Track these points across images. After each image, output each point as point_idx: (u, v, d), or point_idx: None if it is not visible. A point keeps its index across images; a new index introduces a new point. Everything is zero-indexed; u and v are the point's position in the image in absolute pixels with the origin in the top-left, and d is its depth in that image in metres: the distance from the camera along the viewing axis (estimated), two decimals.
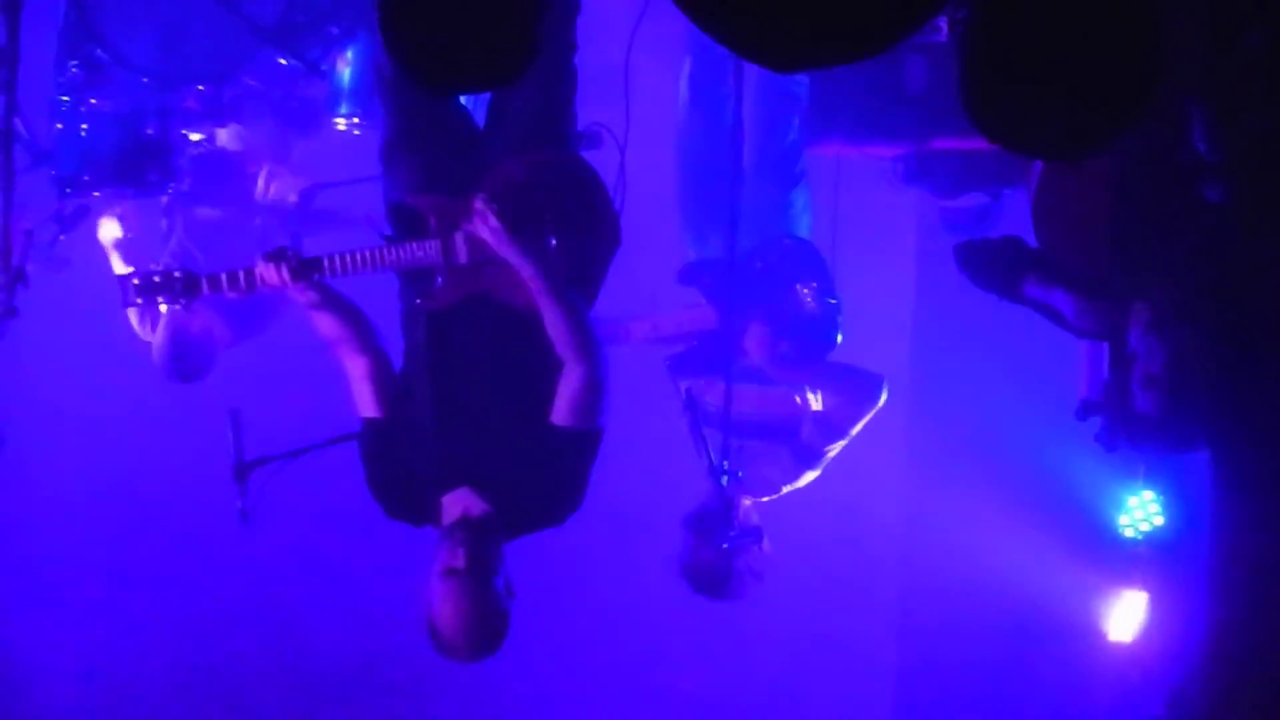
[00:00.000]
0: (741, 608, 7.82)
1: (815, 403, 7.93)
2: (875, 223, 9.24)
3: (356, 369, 6.27)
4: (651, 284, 7.96)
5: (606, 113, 6.66)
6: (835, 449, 7.94)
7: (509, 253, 6.11)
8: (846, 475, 8.42)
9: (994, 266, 6.41)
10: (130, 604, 10.35)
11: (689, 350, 8.11)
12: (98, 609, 10.34)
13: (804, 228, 8.14)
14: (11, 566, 10.10)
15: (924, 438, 9.95)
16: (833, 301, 7.99)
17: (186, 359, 8.35)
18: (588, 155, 6.54)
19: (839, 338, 8.02)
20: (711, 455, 7.24)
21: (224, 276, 6.13)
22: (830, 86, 7.22)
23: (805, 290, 7.96)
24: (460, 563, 5.96)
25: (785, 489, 7.91)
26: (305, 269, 6.10)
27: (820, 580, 10.14)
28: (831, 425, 7.90)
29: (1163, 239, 5.79)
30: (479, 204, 6.12)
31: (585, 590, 9.80)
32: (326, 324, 6.24)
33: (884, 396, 7.91)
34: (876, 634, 10.39)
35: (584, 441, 6.23)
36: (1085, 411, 6.26)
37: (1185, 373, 5.68)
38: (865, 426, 7.99)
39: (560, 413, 6.17)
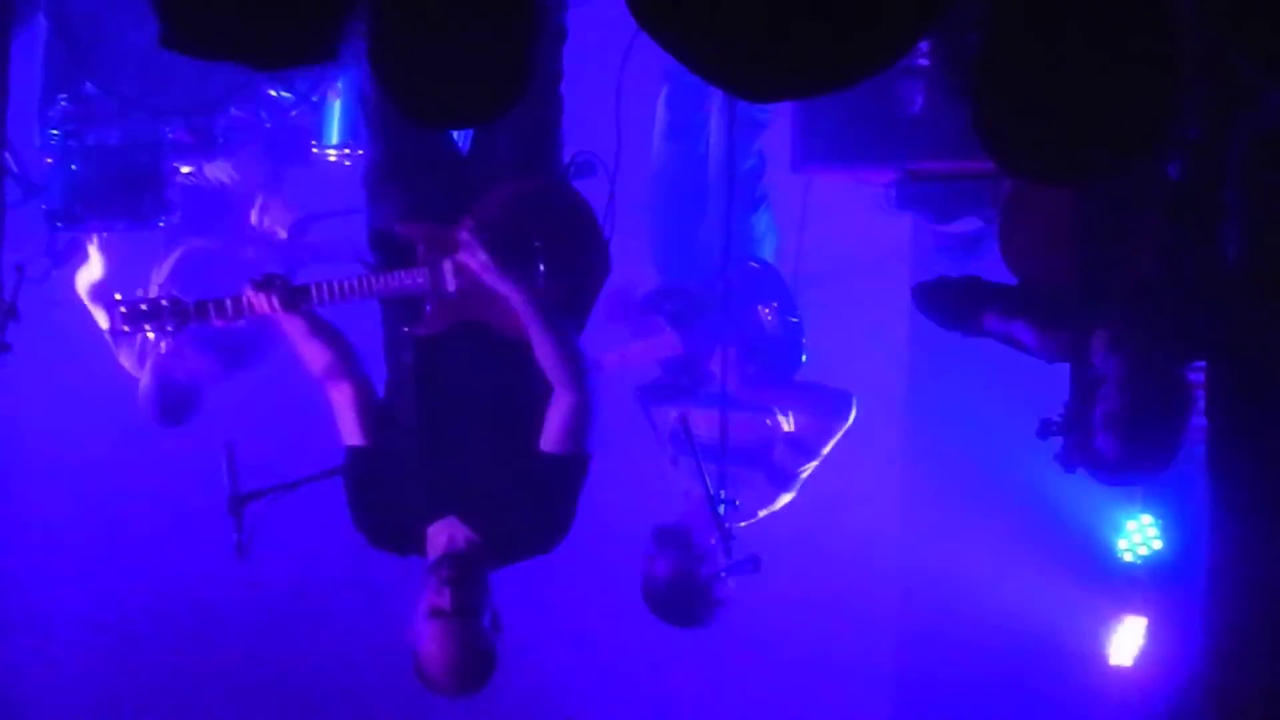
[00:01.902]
0: (739, 632, 7.75)
1: (786, 424, 7.97)
2: (869, 247, 9.23)
3: (342, 397, 6.27)
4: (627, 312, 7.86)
5: (597, 141, 6.64)
6: (808, 469, 7.96)
7: (497, 282, 6.11)
8: (842, 498, 8.42)
9: (953, 304, 6.43)
10: (126, 642, 10.31)
11: (658, 378, 8.16)
12: (93, 648, 10.28)
13: (767, 250, 8.21)
14: (3, 609, 10.07)
15: (920, 460, 9.92)
16: (795, 320, 8.06)
17: (171, 402, 8.31)
18: (579, 183, 6.56)
19: (803, 357, 8.08)
20: (708, 484, 7.22)
21: (211, 305, 6.13)
22: (821, 111, 7.20)
23: (767, 310, 8.02)
24: (446, 604, 5.93)
25: (761, 513, 7.91)
26: (294, 297, 6.12)
27: (817, 603, 10.08)
28: (803, 445, 7.93)
29: (1125, 258, 5.81)
30: (465, 233, 6.12)
31: (580, 600, 9.68)
32: (313, 352, 6.25)
33: (853, 413, 7.92)
34: (875, 658, 10.33)
35: (572, 467, 6.20)
36: (1045, 431, 6.24)
37: (1143, 402, 5.70)
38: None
39: (549, 439, 6.15)
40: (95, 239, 8.25)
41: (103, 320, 8.09)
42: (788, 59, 3.83)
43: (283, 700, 10.44)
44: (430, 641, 5.94)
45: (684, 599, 7.43)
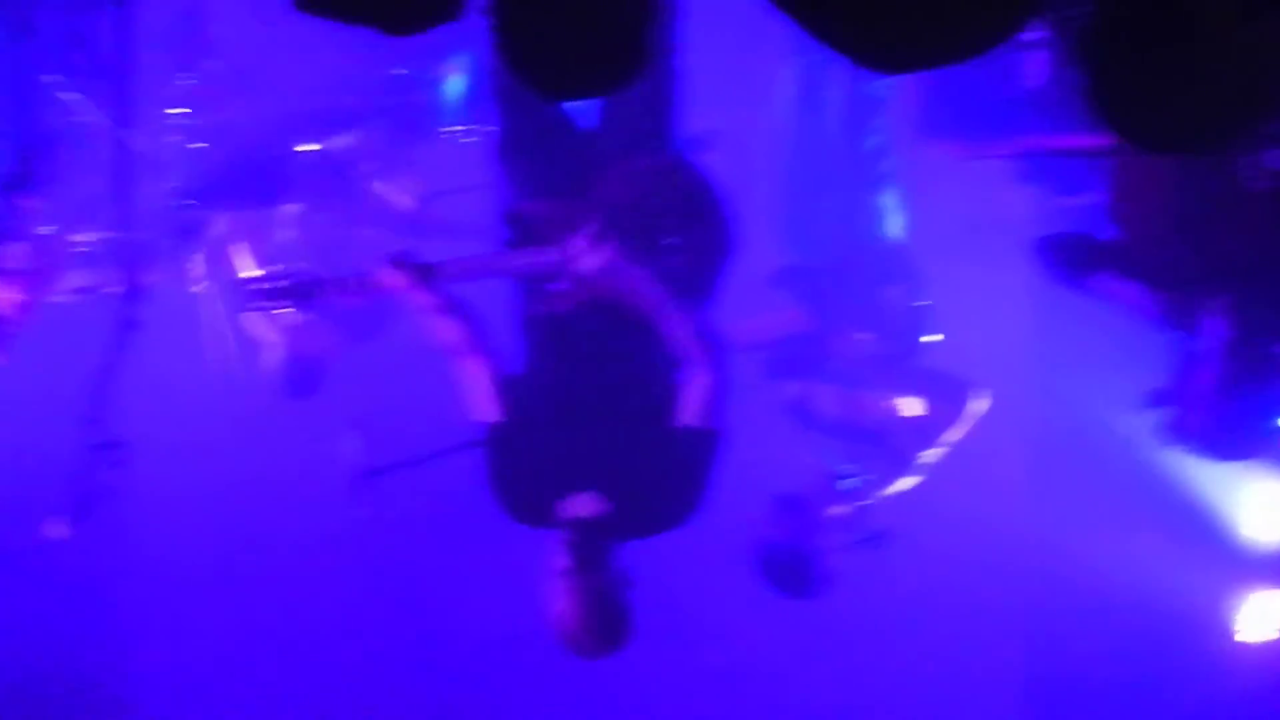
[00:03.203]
0: (865, 620, 7.69)
1: (909, 408, 7.91)
2: (992, 222, 9.14)
3: (473, 374, 6.28)
4: (753, 288, 7.80)
5: (721, 116, 6.71)
6: (929, 455, 7.89)
7: (618, 274, 6.14)
8: (969, 483, 8.35)
9: (1071, 261, 6.34)
10: (254, 615, 10.33)
11: (786, 354, 8.09)
12: (220, 619, 10.32)
13: (894, 229, 8.10)
14: (135, 579, 10.14)
15: (1047, 441, 9.81)
16: (921, 300, 7.98)
17: (299, 375, 8.49)
18: (704, 159, 6.53)
19: (927, 337, 7.99)
20: (831, 460, 7.29)
21: (342, 282, 6.22)
22: (943, 87, 7.15)
23: (895, 291, 7.98)
24: (570, 562, 5.98)
25: (880, 494, 7.85)
26: (425, 274, 6.13)
27: (944, 588, 10.00)
28: (925, 432, 7.86)
29: (1234, 230, 5.74)
30: (586, 233, 6.12)
31: (704, 579, 9.62)
32: (444, 329, 6.25)
33: (976, 404, 7.80)
34: (1004, 644, 10.23)
35: (705, 442, 6.18)
36: (1154, 401, 6.16)
37: (1247, 374, 5.63)
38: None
39: (682, 414, 6.15)
40: (226, 219, 8.31)
41: (233, 299, 8.23)
42: (916, 30, 3.79)
43: (415, 678, 10.50)
44: (558, 601, 5.98)
45: (793, 568, 7.46)
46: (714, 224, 6.40)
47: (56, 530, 6.13)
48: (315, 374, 8.50)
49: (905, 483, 7.90)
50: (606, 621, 6.01)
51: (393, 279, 6.12)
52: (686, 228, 6.34)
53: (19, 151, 7.13)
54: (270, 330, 8.42)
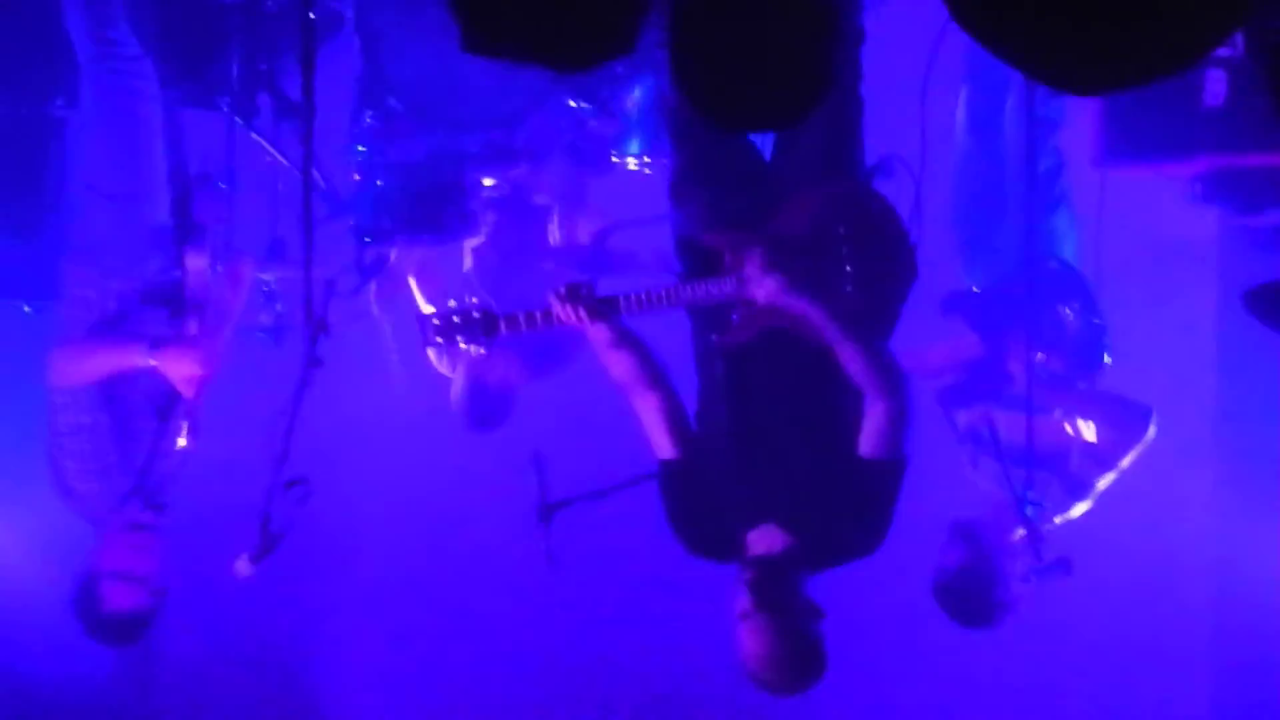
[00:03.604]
0: (1053, 632, 7.65)
1: (1086, 432, 7.74)
2: (1173, 243, 9.05)
3: (649, 408, 6.29)
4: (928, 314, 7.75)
5: (899, 143, 6.57)
6: (1105, 481, 7.70)
7: (797, 306, 6.11)
8: (1154, 498, 8.35)
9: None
10: (438, 648, 10.44)
11: (959, 381, 7.98)
12: (406, 653, 10.46)
13: (1068, 250, 7.96)
14: (320, 619, 10.31)
15: (1233, 459, 9.65)
16: (1097, 322, 7.84)
17: (485, 407, 8.48)
18: (883, 186, 6.49)
19: (1106, 358, 7.85)
20: (1013, 486, 7.17)
21: (521, 316, 6.23)
22: (1123, 107, 7.08)
23: (1068, 311, 7.83)
24: (749, 604, 5.94)
25: (1057, 520, 7.67)
26: (599, 307, 6.15)
27: (1130, 603, 9.86)
28: (1100, 457, 7.68)
29: None
30: (754, 268, 6.13)
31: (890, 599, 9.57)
32: (619, 363, 6.28)
33: (1153, 429, 7.64)
34: (1189, 658, 10.07)
35: (890, 472, 6.14)
36: None
37: None
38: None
39: (866, 444, 6.09)
40: (406, 255, 8.40)
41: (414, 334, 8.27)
42: (1110, 49, 3.76)
43: (597, 711, 10.54)
44: (745, 642, 5.94)
45: (966, 595, 7.33)
46: (894, 252, 6.35)
47: (244, 569, 6.11)
48: (501, 407, 8.51)
49: (1081, 509, 7.73)
50: (797, 657, 5.98)
51: (565, 313, 6.14)
52: (866, 256, 6.28)
53: (181, 197, 7.29)
54: (452, 364, 8.41)
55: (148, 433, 7.04)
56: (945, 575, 7.37)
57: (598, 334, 6.23)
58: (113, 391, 7.04)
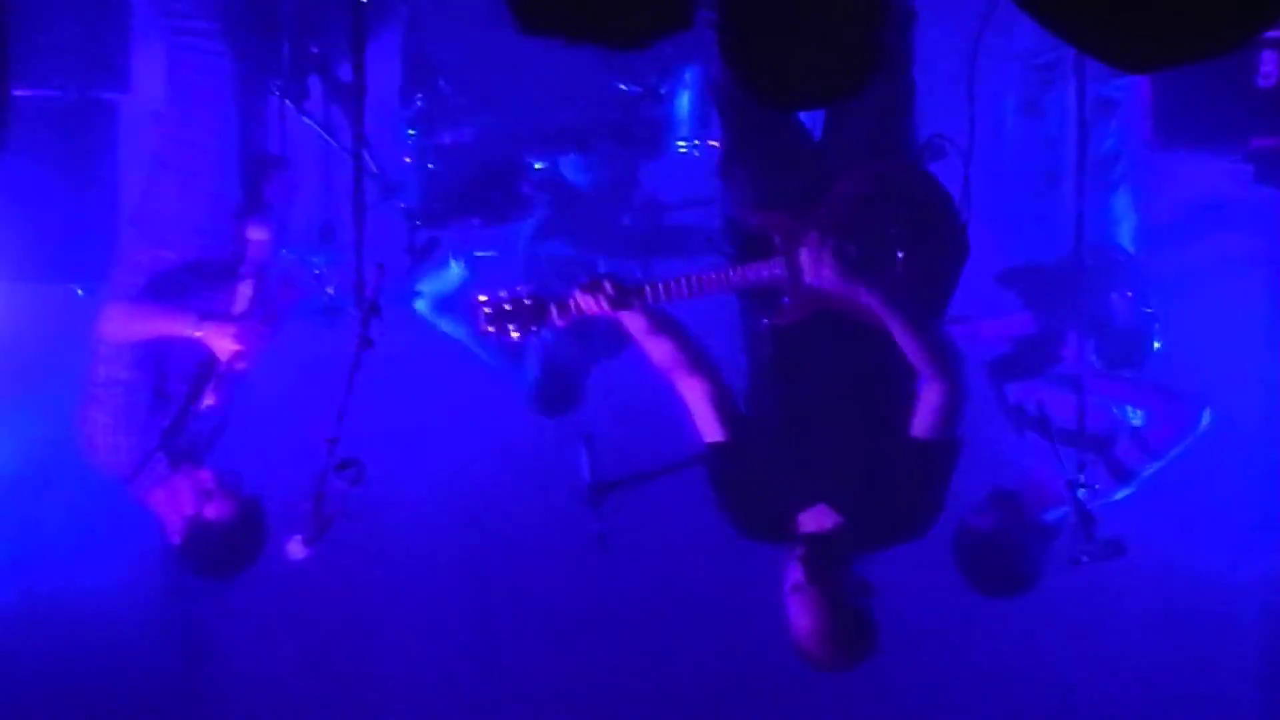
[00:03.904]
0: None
1: (1134, 418, 7.74)
2: (1230, 226, 8.98)
3: (693, 393, 6.26)
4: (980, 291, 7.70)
5: (949, 123, 6.54)
6: (1150, 469, 7.69)
7: (850, 288, 6.07)
8: (1190, 496, 8.40)
9: None
10: (488, 630, 10.41)
11: (1008, 355, 8.03)
12: (456, 634, 10.41)
13: (1125, 233, 8.01)
14: (372, 601, 10.28)
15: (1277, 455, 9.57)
16: (1149, 311, 7.84)
17: (557, 392, 8.55)
18: (933, 167, 6.45)
19: (1156, 345, 7.85)
20: (1064, 468, 7.02)
21: (572, 302, 6.18)
22: (1176, 90, 7.06)
23: (1121, 298, 7.84)
24: (801, 578, 5.94)
25: (1101, 504, 7.49)
26: (625, 297, 6.13)
27: (1163, 600, 9.76)
28: (1148, 445, 7.65)
29: None
30: (809, 250, 6.10)
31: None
32: (658, 349, 6.27)
33: (1204, 422, 7.59)
34: (1234, 659, 9.99)
35: (943, 453, 6.13)
36: None
37: None
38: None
39: (919, 425, 6.07)
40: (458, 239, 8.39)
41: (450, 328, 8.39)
42: (1162, 25, 3.75)
43: (649, 692, 10.46)
44: (796, 616, 5.94)
45: (992, 560, 7.43)
46: (944, 231, 6.30)
47: (297, 551, 6.14)
48: (573, 392, 8.58)
49: (1121, 494, 7.71)
50: (847, 633, 5.96)
51: (589, 303, 6.14)
52: (919, 237, 6.24)
53: (250, 179, 7.26)
54: (509, 349, 8.39)
55: (180, 400, 7.13)
56: (974, 534, 7.46)
57: (633, 322, 6.23)
58: (156, 356, 7.12)
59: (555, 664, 10.39)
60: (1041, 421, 7.22)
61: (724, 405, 6.26)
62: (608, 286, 6.11)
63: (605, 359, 8.66)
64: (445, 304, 8.47)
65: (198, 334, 7.01)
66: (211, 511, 7.06)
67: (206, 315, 7.05)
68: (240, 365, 7.09)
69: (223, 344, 7.01)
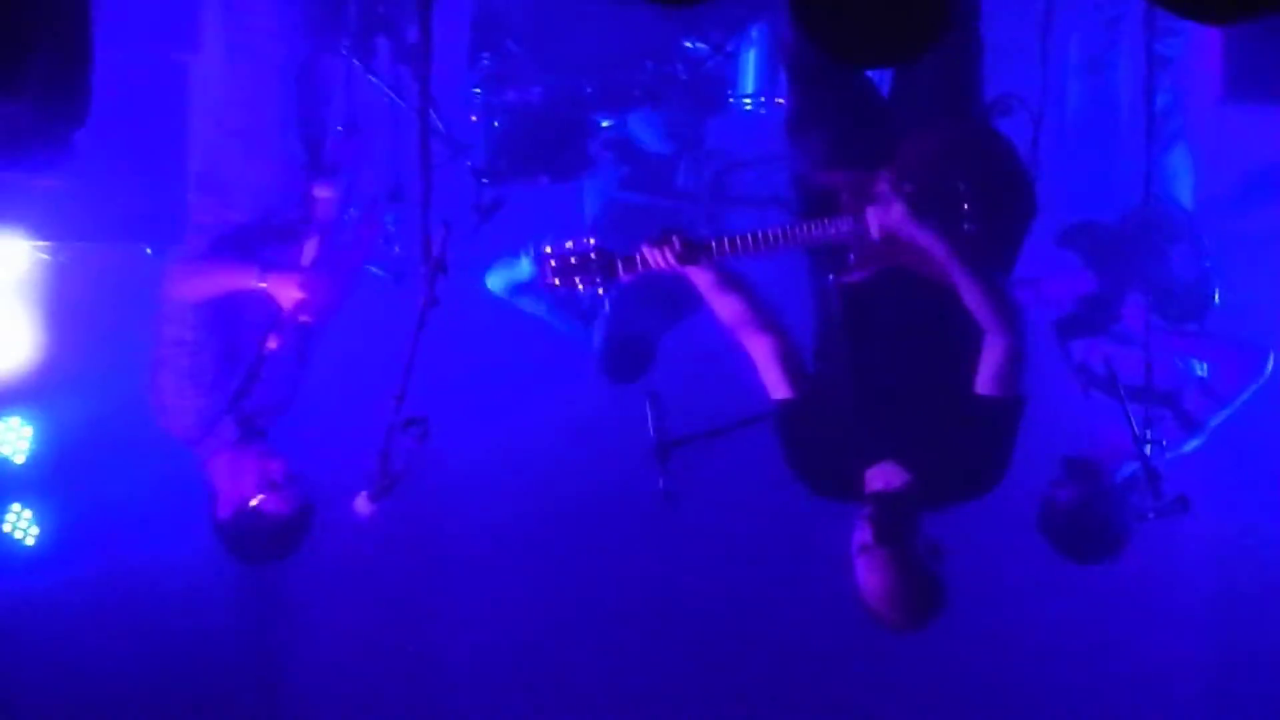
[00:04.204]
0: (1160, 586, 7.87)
1: (1199, 370, 7.74)
2: None
3: (761, 350, 6.25)
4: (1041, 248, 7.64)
5: (1018, 81, 6.58)
6: (1219, 418, 7.69)
7: (918, 235, 6.05)
8: (1259, 446, 8.45)
9: None
10: (554, 587, 10.44)
11: (1072, 314, 7.99)
12: (522, 594, 10.42)
13: (1183, 189, 7.98)
14: (436, 564, 10.34)
15: None
16: (1208, 264, 7.79)
17: (626, 359, 8.53)
18: (1002, 124, 6.45)
19: (1216, 299, 7.80)
20: (1132, 424, 7.04)
21: (639, 258, 6.15)
22: (1247, 43, 6.99)
23: (1183, 251, 7.81)
24: (869, 537, 5.93)
25: (1169, 458, 7.56)
26: (692, 252, 6.10)
27: (1238, 554, 9.72)
28: (1215, 395, 7.65)
29: None
30: (885, 187, 6.09)
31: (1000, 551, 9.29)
32: (726, 306, 6.23)
33: (1269, 367, 7.60)
34: None
35: (1008, 410, 6.09)
36: None
37: None
38: (1264, 396, 7.78)
39: (984, 382, 6.04)
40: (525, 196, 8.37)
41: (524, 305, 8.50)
42: None
43: (717, 653, 10.52)
44: (865, 576, 5.95)
45: (1081, 531, 7.35)
46: (1013, 190, 6.30)
47: (363, 508, 6.14)
48: (643, 359, 8.55)
49: (1191, 445, 7.71)
50: (917, 593, 5.96)
51: (656, 258, 6.11)
52: (985, 194, 6.21)
53: (314, 139, 7.32)
54: (581, 313, 8.56)
55: (250, 360, 7.13)
56: (1059, 511, 7.40)
57: (701, 279, 6.19)
58: (223, 315, 7.13)
59: (619, 634, 10.44)
60: (1109, 379, 7.20)
61: (791, 362, 6.24)
62: (675, 241, 6.07)
63: (674, 323, 8.66)
64: (518, 289, 8.55)
65: (262, 284, 7.06)
66: (271, 505, 7.03)
67: (269, 265, 7.08)
68: (306, 316, 7.13)
69: (287, 293, 7.06)
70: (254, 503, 7.01)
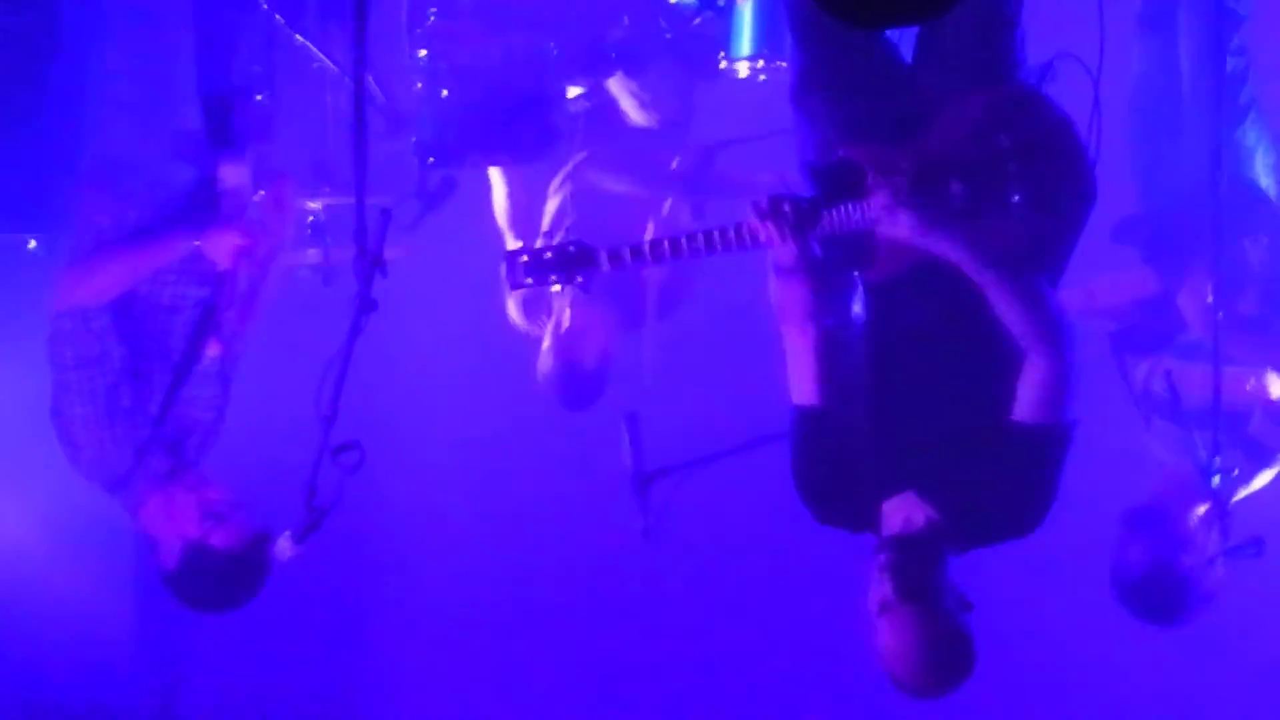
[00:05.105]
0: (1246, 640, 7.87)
1: (1272, 389, 7.22)
2: None
3: (804, 344, 5.65)
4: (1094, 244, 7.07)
5: (1071, 41, 5.86)
6: None
7: (936, 247, 5.51)
8: None
9: None
10: (523, 628, 9.97)
11: (1132, 325, 7.49)
12: (486, 634, 9.96)
13: (1258, 169, 7.39)
14: (379, 596, 9.89)
15: None
16: None
17: (578, 386, 8.08)
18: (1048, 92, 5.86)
19: None
20: (1191, 453, 6.71)
21: (627, 250, 5.68)
22: None
23: (1260, 245, 7.26)
24: (890, 593, 5.41)
25: (1240, 492, 7.12)
26: (804, 220, 5.50)
27: None
28: None
29: None
30: (903, 187, 5.52)
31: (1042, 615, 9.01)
32: (790, 290, 5.63)
33: None
34: None
35: (1051, 439, 5.54)
36: None
37: None
38: None
39: (1022, 407, 5.50)
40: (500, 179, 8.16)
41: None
42: None
43: (700, 692, 10.02)
44: (886, 637, 5.43)
45: (1162, 592, 6.77)
46: (1069, 171, 5.66)
47: (286, 550, 5.73)
48: (596, 384, 8.09)
49: (1266, 478, 7.23)
50: (946, 655, 5.44)
51: (768, 231, 5.48)
52: (1036, 177, 5.58)
53: (219, 105, 6.82)
54: (533, 320, 8.12)
55: (165, 374, 6.61)
56: (1130, 574, 6.88)
57: (784, 255, 5.56)
58: (125, 327, 6.57)
59: (605, 665, 10.02)
60: (1172, 402, 6.89)
61: (827, 365, 5.65)
62: (787, 209, 5.45)
63: (641, 327, 8.26)
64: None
65: (195, 243, 6.52)
66: (219, 539, 6.45)
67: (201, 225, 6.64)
68: (254, 264, 6.65)
69: (228, 242, 6.52)
70: (197, 540, 6.42)
